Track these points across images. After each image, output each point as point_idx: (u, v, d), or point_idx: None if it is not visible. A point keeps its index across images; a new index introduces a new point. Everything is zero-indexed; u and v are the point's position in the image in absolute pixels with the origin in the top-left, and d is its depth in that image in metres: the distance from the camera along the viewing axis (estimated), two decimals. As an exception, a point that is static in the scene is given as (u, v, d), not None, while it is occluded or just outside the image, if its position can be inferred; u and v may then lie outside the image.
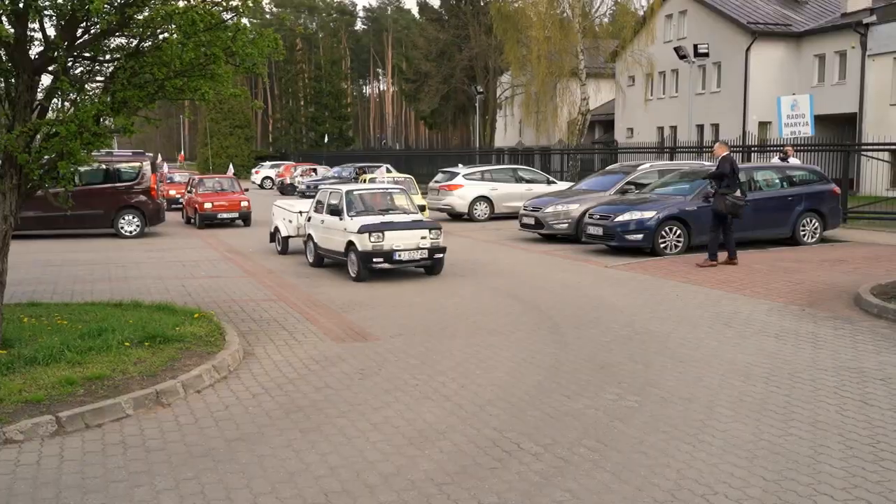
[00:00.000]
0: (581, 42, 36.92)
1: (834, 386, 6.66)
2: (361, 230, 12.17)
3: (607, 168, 22.13)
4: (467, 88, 55.58)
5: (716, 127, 37.21)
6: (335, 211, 13.07)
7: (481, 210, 23.11)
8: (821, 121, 29.81)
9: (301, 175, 39.75)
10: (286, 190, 40.54)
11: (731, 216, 13.10)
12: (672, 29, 40.38)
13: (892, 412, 5.97)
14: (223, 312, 9.93)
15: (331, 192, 13.86)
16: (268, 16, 72.15)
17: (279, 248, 16.24)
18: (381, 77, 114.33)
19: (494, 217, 22.91)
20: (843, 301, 10.16)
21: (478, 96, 47.86)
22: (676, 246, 14.61)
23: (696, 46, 27.74)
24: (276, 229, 16.35)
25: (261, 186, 48.84)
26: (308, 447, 5.50)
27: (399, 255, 12.26)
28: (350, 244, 12.42)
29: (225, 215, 22.97)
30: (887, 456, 5.14)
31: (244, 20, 8.96)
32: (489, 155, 43.69)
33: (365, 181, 20.10)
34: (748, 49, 35.11)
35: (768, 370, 7.15)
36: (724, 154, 13.47)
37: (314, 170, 41.37)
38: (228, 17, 8.73)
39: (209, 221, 22.77)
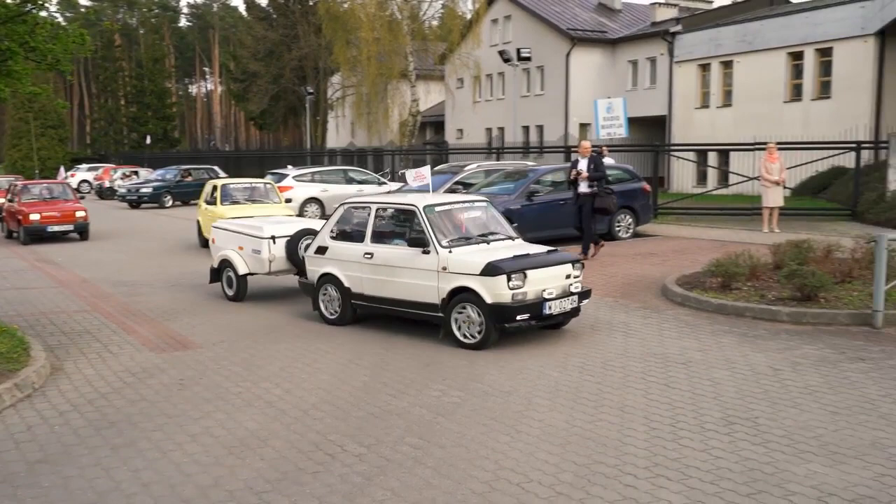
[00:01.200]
0: (410, 44, 37.38)
1: (641, 372, 7.09)
2: (491, 270, 7.87)
3: (436, 168, 22.49)
4: (297, 89, 54.81)
5: (540, 128, 38.70)
6: (415, 240, 8.52)
7: (312, 212, 22.86)
8: (635, 122, 31.61)
9: (122, 178, 37.83)
10: (105, 194, 38.44)
11: (609, 213, 14.24)
12: (498, 33, 41.57)
13: (691, 393, 6.43)
14: (29, 326, 9.28)
15: (379, 209, 9.13)
16: (82, 10, 68.11)
17: (231, 293, 11.02)
18: (208, 76, 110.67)
19: (326, 218, 22.72)
20: (652, 291, 10.83)
21: (308, 97, 47.32)
22: (502, 243, 15.05)
23: (518, 51, 28.74)
24: (226, 264, 11.08)
25: (77, 190, 45.95)
26: (120, 464, 5.23)
27: (549, 307, 8.06)
28: (461, 293, 8.05)
29: (56, 228, 19.55)
30: (685, 434, 5.53)
31: (53, 13, 8.41)
32: (321, 156, 43.37)
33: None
34: (568, 54, 36.74)
35: (583, 360, 7.52)
36: (593, 154, 14.01)
37: (136, 172, 39.47)
38: (28, 9, 8.19)
39: (37, 236, 19.49)
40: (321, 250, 9.54)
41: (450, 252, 8.23)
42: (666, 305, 9.97)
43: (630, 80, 36.51)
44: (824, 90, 28.66)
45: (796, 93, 29.67)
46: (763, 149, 18.11)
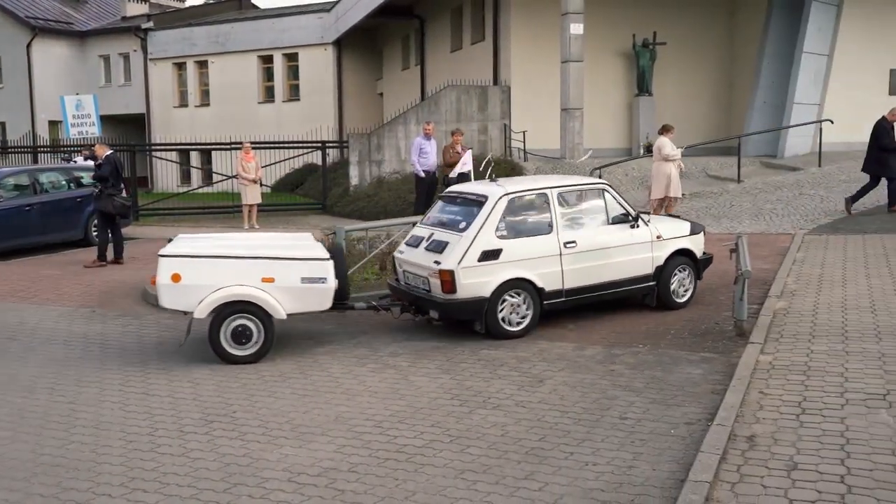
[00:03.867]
0: None
1: (119, 382, 6.80)
2: (696, 228, 9.15)
3: None
4: None
5: (2, 126, 34.77)
6: (615, 217, 8.53)
7: None
8: (112, 120, 30.29)
9: None
10: None
11: (120, 216, 13.40)
12: (-61, 15, 36.14)
13: (171, 398, 6.35)
14: None
15: (561, 195, 8.33)
16: None
17: (250, 350, 7.34)
18: None
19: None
20: (132, 298, 10.47)
21: None
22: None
23: (-35, 37, 25.35)
24: (238, 308, 7.30)
25: None
26: None
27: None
28: (676, 257, 8.82)
29: None
30: (164, 441, 5.43)
31: None
32: None
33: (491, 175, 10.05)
34: (29, 45, 33.55)
35: (52, 381, 6.92)
36: (108, 154, 13.24)
37: None
38: None
39: None
40: (491, 255, 7.85)
41: (647, 223, 8.71)
42: (146, 310, 9.71)
43: (103, 76, 34.85)
44: (294, 92, 30.76)
45: (269, 94, 31.33)
46: (240, 148, 18.75)
